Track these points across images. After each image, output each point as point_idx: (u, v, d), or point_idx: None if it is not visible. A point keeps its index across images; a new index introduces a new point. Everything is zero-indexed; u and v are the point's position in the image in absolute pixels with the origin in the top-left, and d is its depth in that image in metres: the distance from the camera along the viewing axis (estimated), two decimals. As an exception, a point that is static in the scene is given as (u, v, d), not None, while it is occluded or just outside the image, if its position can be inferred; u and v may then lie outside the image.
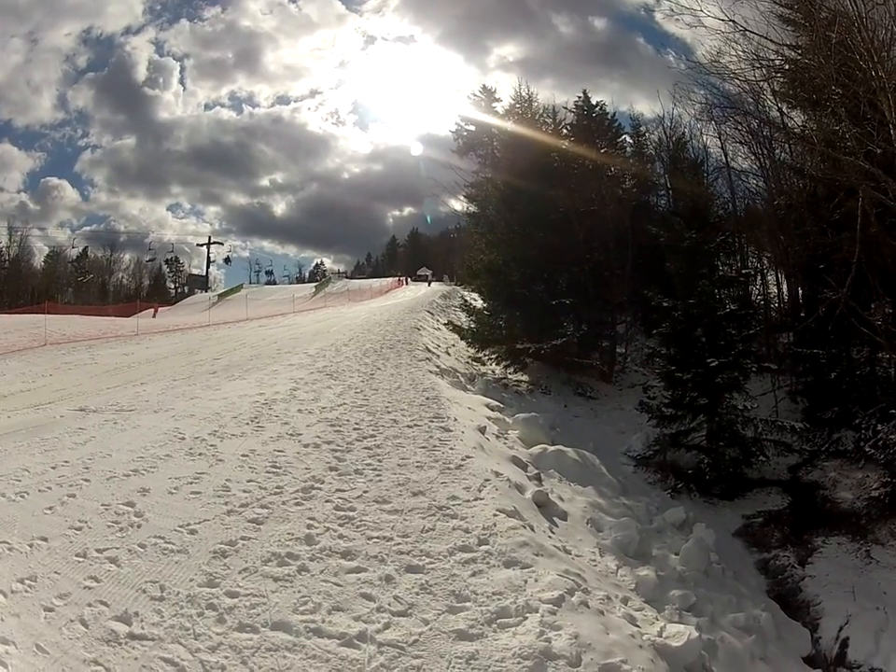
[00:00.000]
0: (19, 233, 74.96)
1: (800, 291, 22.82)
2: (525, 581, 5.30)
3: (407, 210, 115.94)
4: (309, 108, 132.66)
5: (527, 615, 4.88)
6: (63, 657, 4.48)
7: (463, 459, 8.13)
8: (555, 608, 4.99)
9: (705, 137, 28.63)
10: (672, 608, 7.44)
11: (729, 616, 8.35)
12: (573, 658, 4.47)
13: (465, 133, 36.54)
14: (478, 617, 4.86)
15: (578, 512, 8.85)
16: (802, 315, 19.28)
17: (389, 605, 5.01)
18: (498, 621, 4.82)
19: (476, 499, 6.89)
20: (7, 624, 4.82)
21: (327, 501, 6.98)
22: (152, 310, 49.61)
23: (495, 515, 6.44)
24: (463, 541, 5.94)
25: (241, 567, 5.62)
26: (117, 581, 5.46)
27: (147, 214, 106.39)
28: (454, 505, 6.76)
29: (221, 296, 62.17)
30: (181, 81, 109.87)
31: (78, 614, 4.97)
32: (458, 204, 37.00)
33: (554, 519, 8.00)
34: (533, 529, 6.58)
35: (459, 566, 5.54)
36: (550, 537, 7.03)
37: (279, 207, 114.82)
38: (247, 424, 10.16)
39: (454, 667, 4.38)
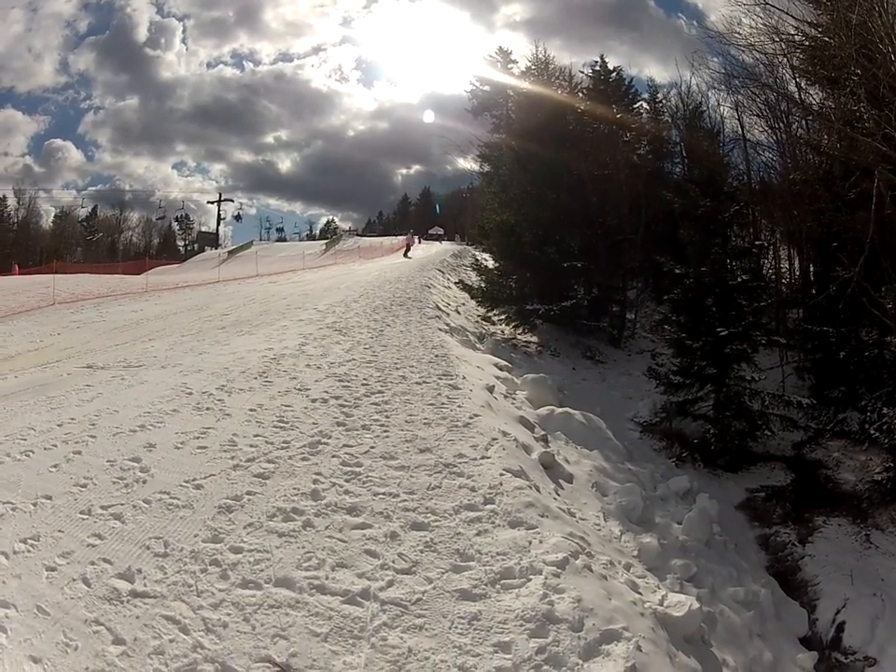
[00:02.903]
0: (27, 195, 75.26)
1: (811, 268, 22.61)
2: (530, 543, 5.26)
3: (415, 168, 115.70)
4: (312, 65, 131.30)
5: (531, 577, 4.85)
6: (64, 618, 4.52)
7: (471, 417, 8.07)
8: (559, 570, 4.95)
9: (722, 108, 28.31)
10: (673, 577, 7.48)
11: (729, 589, 8.43)
12: (575, 622, 4.43)
13: (480, 94, 36.25)
14: (482, 577, 4.83)
15: (583, 476, 8.82)
16: (813, 291, 19.15)
17: (393, 562, 5.00)
18: (502, 581, 4.79)
19: (483, 458, 6.84)
20: (9, 587, 4.86)
21: (333, 456, 6.97)
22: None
23: (501, 475, 6.40)
24: (469, 500, 5.92)
25: (246, 523, 5.62)
26: (121, 538, 5.48)
27: (152, 172, 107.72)
28: (460, 463, 6.72)
29: (231, 253, 61.67)
30: (183, 41, 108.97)
31: (81, 573, 5.00)
32: (470, 164, 36.83)
33: (560, 481, 7.95)
34: (539, 490, 6.55)
35: (464, 524, 5.51)
36: (555, 499, 7.00)
37: (284, 164, 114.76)
38: (255, 378, 10.14)
39: (456, 627, 4.36)
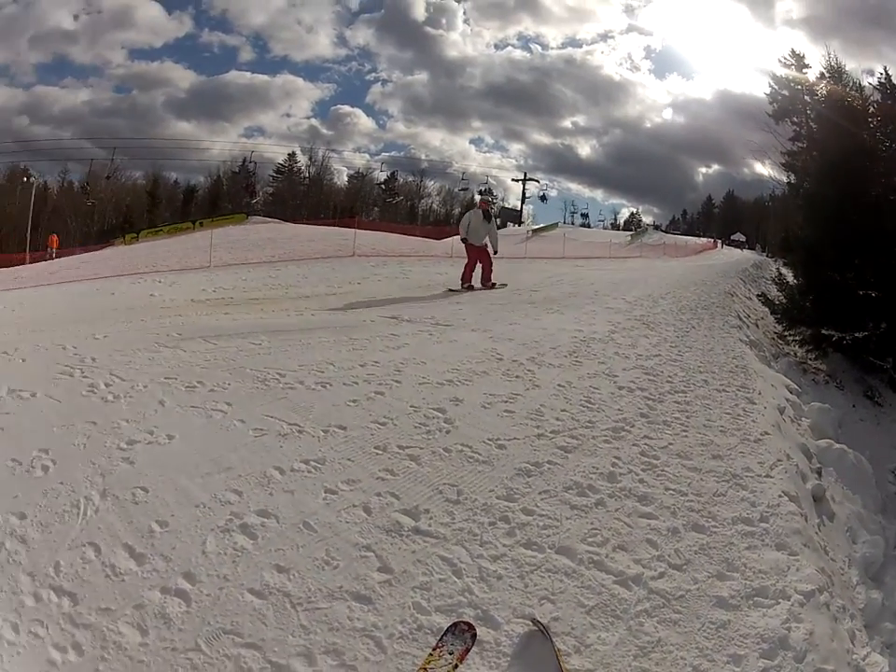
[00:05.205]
0: (319, 154, 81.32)
1: None
2: (788, 568, 5.34)
3: (714, 167, 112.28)
4: (602, 52, 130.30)
5: (780, 600, 4.93)
6: (333, 538, 4.83)
7: (762, 434, 8.04)
8: (804, 601, 5.00)
9: None
10: (879, 639, 7.31)
11: (914, 669, 8.30)
12: (800, 654, 4.49)
13: (779, 98, 34.81)
14: (740, 590, 4.95)
15: (842, 517, 8.75)
16: None
17: (669, 556, 5.10)
18: (755, 598, 4.89)
19: (767, 476, 6.90)
20: (276, 500, 5.24)
21: (633, 445, 7.16)
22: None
23: (780, 496, 6.46)
24: (747, 514, 6.02)
25: (541, 489, 5.85)
26: (413, 478, 5.81)
27: (448, 145, 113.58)
28: (746, 476, 6.80)
29: (535, 231, 63.08)
30: (465, 22, 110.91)
31: (363, 501, 5.32)
32: (769, 170, 35.65)
33: (823, 517, 7.95)
34: (806, 520, 6.61)
35: (738, 536, 5.63)
36: (816, 533, 7.06)
37: (584, 150, 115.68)
38: (565, 357, 10.47)
39: (704, 630, 4.51)
